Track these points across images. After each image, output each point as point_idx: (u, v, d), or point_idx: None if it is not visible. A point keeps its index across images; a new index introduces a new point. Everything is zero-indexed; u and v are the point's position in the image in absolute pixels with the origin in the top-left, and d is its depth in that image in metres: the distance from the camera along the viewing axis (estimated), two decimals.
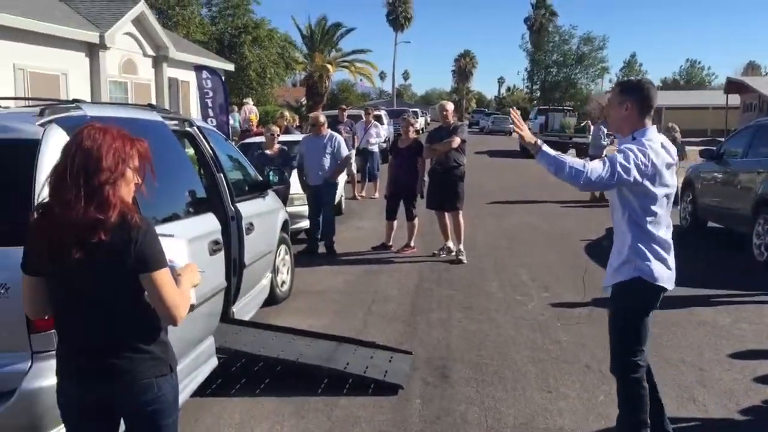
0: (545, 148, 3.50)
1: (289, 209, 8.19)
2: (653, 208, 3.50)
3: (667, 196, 3.53)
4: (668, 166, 3.50)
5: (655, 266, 3.54)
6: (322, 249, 9.14)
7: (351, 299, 6.99)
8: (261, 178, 6.57)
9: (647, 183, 3.43)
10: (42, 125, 3.34)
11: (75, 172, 2.20)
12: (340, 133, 14.56)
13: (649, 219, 3.52)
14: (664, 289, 3.61)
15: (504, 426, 4.20)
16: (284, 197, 8.47)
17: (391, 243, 9.35)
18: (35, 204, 2.39)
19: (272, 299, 6.55)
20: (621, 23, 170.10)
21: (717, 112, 44.49)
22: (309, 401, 4.51)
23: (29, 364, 3.05)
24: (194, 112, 20.62)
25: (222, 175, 5.30)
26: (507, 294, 7.16)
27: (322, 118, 9.58)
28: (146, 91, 18.40)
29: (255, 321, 5.66)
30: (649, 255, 3.54)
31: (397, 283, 7.65)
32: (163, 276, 2.28)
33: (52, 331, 2.43)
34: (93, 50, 15.91)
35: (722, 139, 13.39)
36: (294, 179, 9.15)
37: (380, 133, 17.65)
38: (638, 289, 3.58)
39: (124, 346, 2.32)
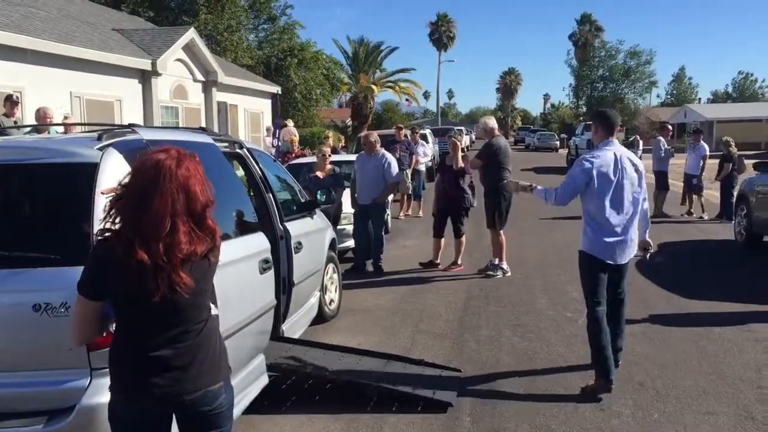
0: (537, 189, 5.25)
1: (338, 228, 8.28)
2: (594, 198, 4.83)
3: (616, 188, 4.82)
4: (620, 167, 4.84)
5: (593, 242, 4.89)
6: (369, 267, 9.18)
7: (399, 317, 7.00)
8: (309, 198, 6.66)
9: (590, 182, 4.81)
10: (100, 149, 3.46)
11: (174, 204, 2.25)
12: (396, 152, 14.66)
13: (590, 205, 4.90)
14: (602, 261, 4.89)
15: None
16: (335, 217, 8.55)
17: (438, 261, 9.34)
18: (97, 229, 2.39)
19: (321, 317, 6.61)
20: (669, 37, 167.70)
21: None
22: (359, 419, 4.53)
23: (88, 380, 3.14)
24: (242, 135, 21.02)
25: (271, 195, 5.40)
26: (557, 311, 7.07)
27: (373, 137, 9.55)
28: (196, 116, 18.83)
29: (304, 339, 5.72)
30: (589, 233, 4.91)
31: (445, 300, 7.63)
32: None
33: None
34: (146, 77, 16.37)
35: None
36: (345, 198, 9.24)
37: (426, 152, 17.66)
38: (582, 258, 4.98)
39: (198, 355, 2.38)
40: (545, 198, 5.14)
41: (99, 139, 3.57)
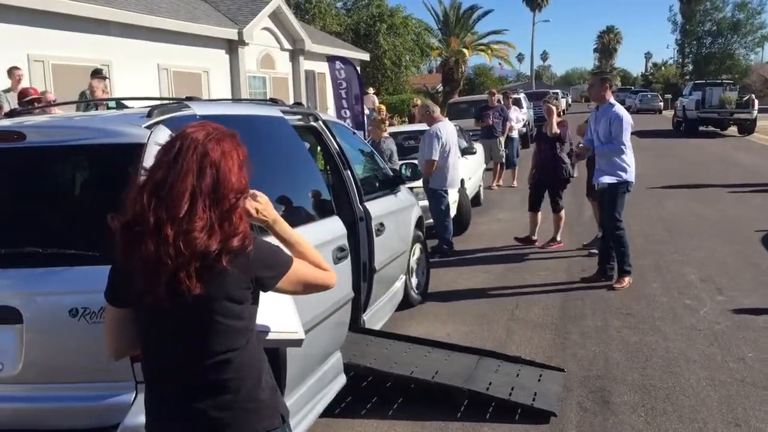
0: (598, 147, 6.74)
1: (422, 203, 7.65)
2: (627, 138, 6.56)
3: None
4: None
5: (628, 171, 6.52)
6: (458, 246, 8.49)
7: (492, 302, 6.38)
8: (392, 173, 6.11)
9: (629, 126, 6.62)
10: (149, 127, 3.02)
11: (199, 189, 1.79)
12: (489, 118, 13.87)
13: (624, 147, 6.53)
14: (632, 183, 6.63)
15: None
16: None
17: (535, 237, 8.62)
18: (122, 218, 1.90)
19: (406, 303, 6.08)
20: None
21: None
22: (447, 427, 3.99)
23: (134, 395, 2.74)
24: (330, 104, 20.69)
25: (349, 172, 4.87)
26: (673, 298, 6.24)
27: (424, 109, 8.53)
28: (284, 85, 18.59)
29: (387, 331, 5.20)
30: (625, 166, 6.51)
31: (544, 283, 6.94)
32: (296, 270, 2.02)
33: None
34: (232, 47, 16.19)
35: None
36: None
37: (520, 118, 16.76)
38: (623, 186, 6.54)
39: (227, 392, 1.87)
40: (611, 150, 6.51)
41: (149, 115, 3.13)
